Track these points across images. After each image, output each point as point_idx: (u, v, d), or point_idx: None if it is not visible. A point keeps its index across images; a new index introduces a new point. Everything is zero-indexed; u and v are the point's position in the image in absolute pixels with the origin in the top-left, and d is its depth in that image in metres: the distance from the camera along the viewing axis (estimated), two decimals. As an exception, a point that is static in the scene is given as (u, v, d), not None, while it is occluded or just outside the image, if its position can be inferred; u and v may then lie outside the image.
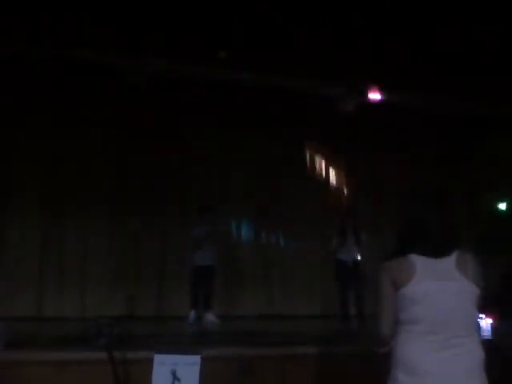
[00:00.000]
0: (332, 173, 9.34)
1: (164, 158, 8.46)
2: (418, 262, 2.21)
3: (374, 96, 8.06)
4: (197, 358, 3.40)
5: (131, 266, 8.29)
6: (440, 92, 7.94)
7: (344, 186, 9.15)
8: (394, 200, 7.96)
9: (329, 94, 8.22)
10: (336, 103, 8.18)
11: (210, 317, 7.41)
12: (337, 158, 9.29)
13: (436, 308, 2.16)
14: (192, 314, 7.44)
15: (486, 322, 4.95)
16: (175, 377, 3.36)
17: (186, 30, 6.88)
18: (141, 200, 8.33)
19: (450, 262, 2.23)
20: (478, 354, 2.19)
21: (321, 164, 9.32)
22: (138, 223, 8.36)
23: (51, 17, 6.63)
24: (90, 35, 6.93)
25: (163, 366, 3.37)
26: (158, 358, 3.37)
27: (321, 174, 9.24)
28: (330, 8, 6.37)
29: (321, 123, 8.68)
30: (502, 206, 9.58)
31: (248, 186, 8.94)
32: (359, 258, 7.57)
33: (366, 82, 7.89)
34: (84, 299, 7.96)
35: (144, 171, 8.46)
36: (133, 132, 8.36)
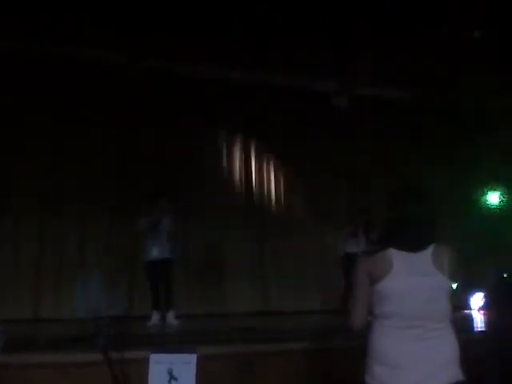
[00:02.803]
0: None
1: (163, 158, 8.46)
2: (395, 256, 2.26)
3: None
4: (193, 357, 3.43)
5: (127, 267, 8.22)
6: (431, 87, 7.99)
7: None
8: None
9: (323, 91, 8.26)
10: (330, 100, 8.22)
11: (170, 318, 6.83)
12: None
13: (410, 303, 2.22)
14: (154, 316, 6.88)
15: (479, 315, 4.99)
16: (172, 376, 3.40)
17: (185, 29, 6.90)
18: (139, 201, 8.32)
19: (426, 256, 2.27)
20: (453, 347, 2.26)
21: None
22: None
23: (51, 16, 6.65)
24: (89, 35, 6.95)
25: (159, 365, 3.39)
26: (154, 358, 3.39)
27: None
28: (321, 6, 6.40)
29: (324, 123, 8.75)
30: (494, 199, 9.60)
31: (246, 184, 8.98)
32: None
33: (358, 78, 7.89)
34: (81, 300, 7.94)
35: (142, 171, 8.46)
36: (133, 132, 8.38)
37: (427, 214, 2.34)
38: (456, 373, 2.23)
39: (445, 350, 2.23)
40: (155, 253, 6.90)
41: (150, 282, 7.01)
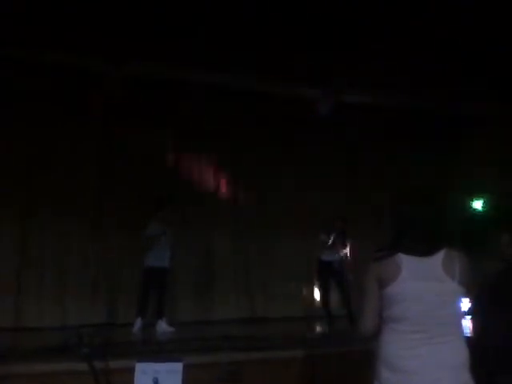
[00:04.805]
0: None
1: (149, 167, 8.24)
2: (404, 261, 2.25)
3: None
4: (179, 366, 3.40)
5: (111, 274, 8.02)
6: (416, 93, 8.03)
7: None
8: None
9: (306, 96, 8.23)
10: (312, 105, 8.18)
11: (163, 325, 6.86)
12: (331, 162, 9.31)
13: (419, 308, 2.21)
14: (138, 322, 6.78)
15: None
16: (157, 385, 3.36)
17: (173, 34, 6.87)
18: (123, 207, 8.07)
19: (436, 261, 2.27)
20: (462, 352, 2.25)
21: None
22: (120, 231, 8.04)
23: (44, 24, 6.57)
24: (73, 38, 6.87)
25: (145, 374, 3.35)
26: (140, 367, 3.35)
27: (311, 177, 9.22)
28: (304, 8, 6.40)
29: (306, 126, 8.76)
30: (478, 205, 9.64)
31: (232, 188, 8.96)
32: (344, 259, 7.68)
33: (342, 83, 7.87)
34: (64, 308, 7.66)
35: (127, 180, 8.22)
36: (118, 137, 8.27)
37: (430, 215, 2.34)
38: (465, 378, 2.22)
39: (453, 355, 2.22)
40: (160, 260, 6.95)
41: (145, 289, 6.98)
